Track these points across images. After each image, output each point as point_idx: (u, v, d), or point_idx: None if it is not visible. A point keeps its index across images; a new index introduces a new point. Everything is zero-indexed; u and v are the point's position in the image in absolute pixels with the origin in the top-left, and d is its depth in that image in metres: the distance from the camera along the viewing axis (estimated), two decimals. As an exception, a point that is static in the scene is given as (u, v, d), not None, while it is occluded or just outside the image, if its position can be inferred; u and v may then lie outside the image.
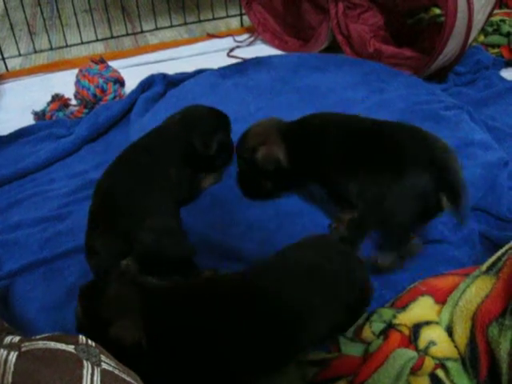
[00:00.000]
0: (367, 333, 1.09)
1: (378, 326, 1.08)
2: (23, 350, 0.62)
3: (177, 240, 1.29)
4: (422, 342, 1.03)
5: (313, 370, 1.01)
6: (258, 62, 2.18)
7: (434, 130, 1.65)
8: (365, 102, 1.83)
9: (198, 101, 1.62)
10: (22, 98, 2.37)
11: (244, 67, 2.15)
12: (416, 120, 1.71)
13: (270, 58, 2.23)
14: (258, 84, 1.99)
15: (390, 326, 1.07)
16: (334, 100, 1.84)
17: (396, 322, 1.07)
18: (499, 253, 1.10)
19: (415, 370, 0.98)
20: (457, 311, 1.06)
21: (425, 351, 1.02)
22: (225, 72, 2.13)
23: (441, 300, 1.11)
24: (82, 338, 0.68)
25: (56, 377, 0.60)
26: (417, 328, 1.05)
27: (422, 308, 1.10)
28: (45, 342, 0.65)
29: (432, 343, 1.02)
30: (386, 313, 1.10)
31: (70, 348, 0.65)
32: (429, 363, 0.99)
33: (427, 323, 1.06)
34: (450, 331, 1.05)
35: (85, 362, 0.63)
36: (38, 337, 0.67)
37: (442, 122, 1.70)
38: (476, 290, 1.05)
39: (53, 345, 0.64)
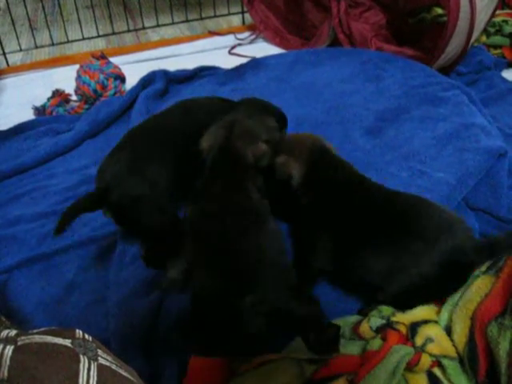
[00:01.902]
0: (365, 327, 1.09)
1: (376, 321, 1.08)
2: (19, 344, 0.62)
3: (156, 207, 1.30)
4: (419, 339, 1.03)
5: (311, 368, 1.01)
6: (256, 64, 2.19)
7: (433, 113, 1.67)
8: (361, 93, 1.84)
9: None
10: (23, 93, 2.36)
11: (242, 71, 2.16)
12: (413, 104, 1.72)
13: (267, 58, 2.23)
14: (255, 87, 1.99)
15: (387, 324, 1.07)
16: (329, 94, 1.85)
17: (394, 319, 1.07)
18: (499, 252, 1.10)
19: (412, 366, 0.98)
20: (456, 310, 1.06)
21: (422, 348, 1.01)
22: (223, 79, 2.13)
23: (440, 302, 1.12)
24: (78, 333, 0.68)
25: (52, 371, 0.59)
26: (414, 326, 1.05)
27: (421, 309, 1.11)
28: (41, 336, 0.64)
29: (429, 340, 1.02)
30: (386, 310, 1.11)
31: (67, 342, 0.64)
32: (425, 360, 0.99)
33: (425, 322, 1.06)
34: (448, 331, 1.05)
35: (81, 356, 0.63)
36: (34, 331, 0.67)
37: (441, 104, 1.71)
38: (476, 290, 1.05)
39: (49, 339, 0.64)
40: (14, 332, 0.65)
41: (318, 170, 1.26)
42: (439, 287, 1.10)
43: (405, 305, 1.11)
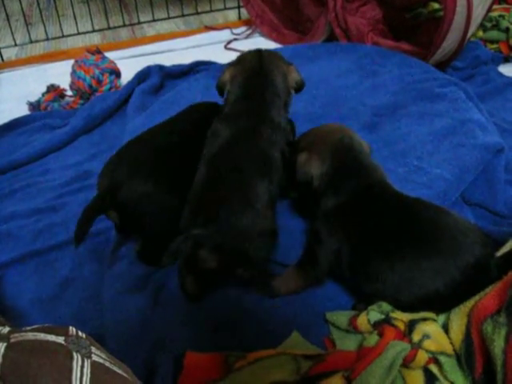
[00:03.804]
0: (363, 319, 1.09)
1: (374, 314, 1.08)
2: (12, 341, 0.61)
3: (161, 204, 1.29)
4: (417, 335, 1.02)
5: (307, 364, 1.01)
6: None
7: (430, 109, 1.67)
8: (357, 88, 1.84)
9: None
10: (18, 88, 2.35)
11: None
12: (410, 100, 1.71)
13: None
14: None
15: (386, 320, 1.07)
16: (326, 89, 1.85)
17: (393, 315, 1.07)
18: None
19: (408, 362, 0.98)
20: (454, 308, 1.05)
21: (418, 344, 1.01)
22: (219, 74, 2.11)
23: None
24: (72, 330, 0.67)
25: (45, 369, 0.59)
26: (413, 323, 1.05)
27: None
28: (34, 333, 0.64)
29: (426, 336, 1.02)
30: (386, 305, 1.10)
31: (60, 340, 0.64)
32: (422, 356, 0.99)
33: (424, 319, 1.06)
34: (446, 328, 1.05)
35: (75, 353, 0.62)
36: (27, 328, 0.66)
37: (437, 100, 1.70)
38: (477, 290, 1.05)
39: (42, 336, 0.63)
40: (6, 329, 0.65)
41: (338, 173, 1.21)
42: (452, 300, 1.08)
43: (412, 311, 1.10)
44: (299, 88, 1.42)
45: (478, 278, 1.06)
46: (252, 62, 1.37)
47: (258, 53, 1.40)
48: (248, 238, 1.13)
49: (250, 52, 1.42)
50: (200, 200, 1.18)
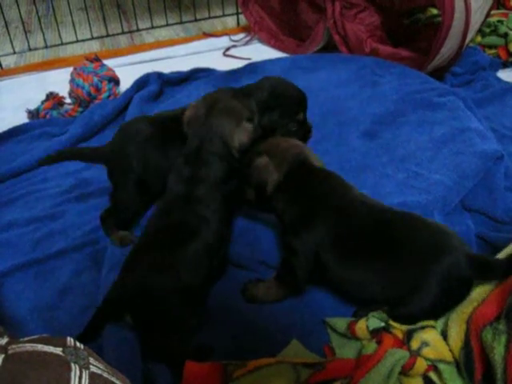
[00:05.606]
0: (361, 325, 1.09)
1: (374, 321, 1.08)
2: (10, 352, 0.61)
3: None
4: (415, 343, 1.02)
5: (306, 373, 1.01)
6: (252, 68, 2.17)
7: (429, 117, 1.67)
8: (357, 97, 1.84)
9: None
10: (17, 96, 2.35)
11: (238, 76, 2.14)
12: (409, 109, 1.72)
13: (264, 62, 2.22)
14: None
15: (384, 328, 1.07)
16: (325, 97, 1.85)
17: (392, 323, 1.07)
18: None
19: (407, 369, 0.98)
20: (452, 315, 1.05)
21: (417, 352, 1.01)
22: (218, 82, 2.12)
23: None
24: (70, 341, 0.67)
25: (43, 380, 0.59)
26: (411, 331, 1.05)
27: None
28: (32, 344, 0.63)
29: (425, 344, 1.02)
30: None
31: (58, 351, 0.64)
32: (421, 364, 0.99)
33: (422, 327, 1.06)
34: (445, 335, 1.05)
35: (72, 364, 0.62)
36: (25, 339, 0.66)
37: (437, 109, 1.71)
38: (474, 295, 1.04)
39: (40, 347, 0.63)
40: (4, 340, 0.65)
41: (292, 182, 1.24)
42: (442, 306, 1.08)
43: (409, 323, 1.10)
44: (246, 150, 1.35)
45: (459, 280, 1.05)
46: (200, 115, 1.34)
47: (211, 103, 1.35)
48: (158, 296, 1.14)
49: (205, 98, 1.40)
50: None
